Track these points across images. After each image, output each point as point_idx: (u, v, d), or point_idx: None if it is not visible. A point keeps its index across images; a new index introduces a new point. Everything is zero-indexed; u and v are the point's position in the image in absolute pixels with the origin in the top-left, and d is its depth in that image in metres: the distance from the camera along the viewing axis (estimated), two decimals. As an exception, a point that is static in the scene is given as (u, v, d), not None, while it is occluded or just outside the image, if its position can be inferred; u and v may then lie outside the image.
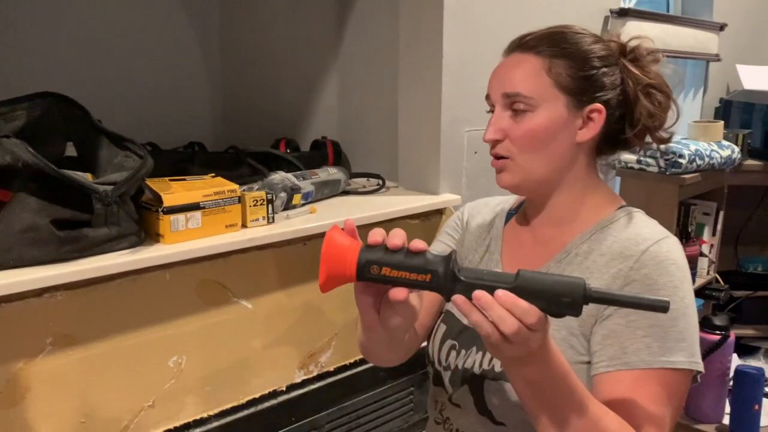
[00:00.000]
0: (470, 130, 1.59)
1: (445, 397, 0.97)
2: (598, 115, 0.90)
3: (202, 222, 1.14)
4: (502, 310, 0.67)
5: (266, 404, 1.27)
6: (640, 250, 0.86)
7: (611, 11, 1.98)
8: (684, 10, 2.66)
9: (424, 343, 1.05)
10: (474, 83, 1.54)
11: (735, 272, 2.57)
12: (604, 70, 0.91)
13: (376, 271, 0.71)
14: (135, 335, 1.09)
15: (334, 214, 1.35)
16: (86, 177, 1.05)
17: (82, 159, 1.15)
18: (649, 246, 0.86)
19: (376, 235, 0.72)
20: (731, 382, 1.76)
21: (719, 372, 1.75)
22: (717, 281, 2.24)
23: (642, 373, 0.81)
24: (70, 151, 1.17)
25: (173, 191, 1.11)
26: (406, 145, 1.63)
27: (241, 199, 1.19)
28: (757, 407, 1.72)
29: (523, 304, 0.67)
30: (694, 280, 2.07)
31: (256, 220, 1.22)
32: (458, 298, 0.69)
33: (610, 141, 0.95)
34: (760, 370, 1.74)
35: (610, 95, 0.91)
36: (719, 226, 2.22)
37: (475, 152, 1.61)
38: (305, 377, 1.34)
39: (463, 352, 0.95)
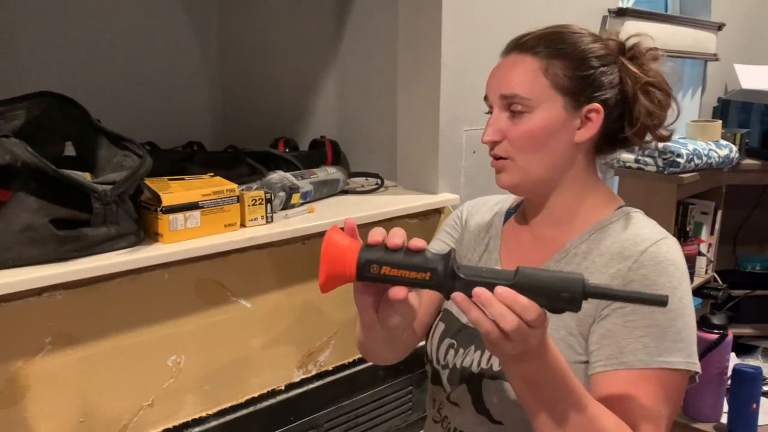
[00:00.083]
0: (469, 129, 1.59)
1: (444, 395, 0.98)
2: (596, 115, 0.90)
3: (201, 221, 1.14)
4: (502, 307, 0.67)
5: (265, 403, 1.27)
6: (639, 250, 0.87)
7: (609, 11, 1.99)
8: (682, 9, 2.66)
9: (422, 342, 1.06)
10: (472, 83, 1.54)
11: (733, 271, 2.57)
12: (603, 69, 0.90)
13: (376, 271, 0.71)
14: (134, 334, 1.09)
15: (332, 214, 1.35)
16: (85, 176, 1.06)
17: (81, 158, 1.15)
18: (648, 246, 0.87)
19: (376, 235, 0.73)
20: (729, 381, 1.77)
21: (717, 371, 1.75)
22: (715, 280, 2.24)
23: (639, 372, 0.82)
24: (69, 150, 1.17)
25: (172, 191, 1.12)
26: (405, 144, 1.63)
27: (239, 199, 1.19)
28: (755, 406, 1.72)
29: (522, 300, 0.67)
30: (692, 280, 2.07)
31: (255, 219, 1.22)
32: (458, 295, 0.69)
33: (610, 140, 0.95)
34: (758, 369, 1.74)
35: (608, 94, 0.91)
36: (717, 226, 2.22)
37: (474, 152, 1.61)
38: (304, 376, 1.34)
39: (461, 350, 0.96)
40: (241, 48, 2.02)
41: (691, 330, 0.85)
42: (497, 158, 0.93)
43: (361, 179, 1.67)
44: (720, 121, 2.18)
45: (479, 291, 0.68)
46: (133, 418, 1.10)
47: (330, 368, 1.38)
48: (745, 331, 2.41)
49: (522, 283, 0.68)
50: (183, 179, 1.21)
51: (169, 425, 1.15)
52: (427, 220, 1.54)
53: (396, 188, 1.64)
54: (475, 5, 1.56)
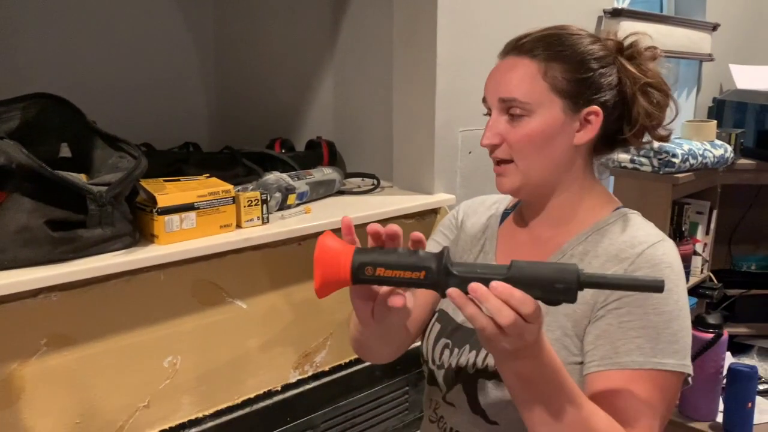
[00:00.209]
0: (464, 130, 1.59)
1: (440, 396, 0.98)
2: (595, 117, 0.90)
3: (197, 222, 1.14)
4: (498, 302, 0.67)
5: (261, 404, 1.27)
6: (636, 252, 0.87)
7: (605, 11, 1.99)
8: (677, 10, 2.67)
9: (418, 342, 1.06)
10: (468, 83, 1.54)
11: (728, 271, 2.58)
12: (602, 71, 0.90)
13: (371, 273, 0.71)
14: (130, 335, 1.09)
15: (329, 214, 1.35)
16: (80, 178, 1.05)
17: (76, 160, 1.15)
18: (645, 249, 0.87)
19: (373, 228, 0.73)
20: (725, 381, 1.77)
21: (713, 370, 1.75)
22: (710, 280, 2.25)
23: (633, 373, 0.82)
24: (65, 151, 1.17)
25: (168, 192, 1.12)
26: (401, 145, 1.63)
27: (235, 200, 1.19)
28: (750, 405, 1.72)
29: (518, 294, 0.67)
30: (688, 279, 2.08)
31: (251, 220, 1.22)
32: (453, 291, 0.68)
33: (608, 141, 0.95)
34: (753, 369, 1.74)
35: (607, 96, 0.91)
36: (713, 225, 2.23)
37: (470, 152, 1.61)
38: (300, 377, 1.34)
39: (456, 350, 0.96)
40: (238, 49, 2.02)
41: (687, 332, 0.85)
42: (498, 162, 0.93)
43: (358, 180, 1.67)
44: (715, 121, 2.18)
45: (475, 286, 0.67)
46: (129, 419, 1.10)
47: (326, 369, 1.38)
48: (741, 330, 2.42)
49: (516, 277, 0.68)
50: (179, 180, 1.21)
51: (166, 426, 1.15)
52: (424, 220, 1.54)
53: (392, 188, 1.64)
54: (471, 5, 1.56)
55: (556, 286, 0.68)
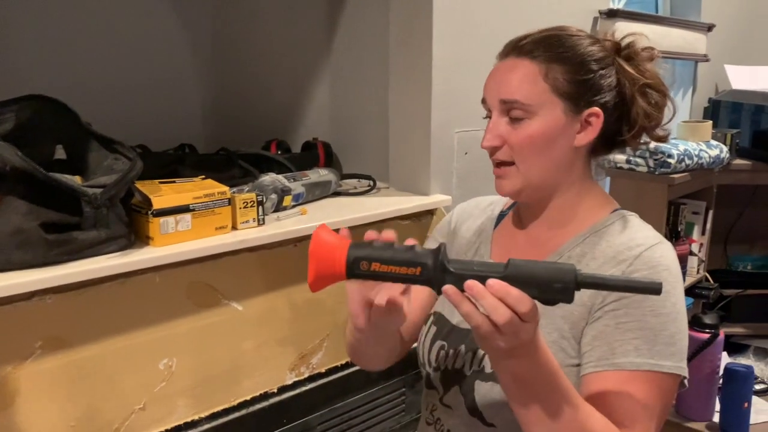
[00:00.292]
0: (460, 131, 1.59)
1: (437, 398, 0.98)
2: (595, 119, 0.90)
3: (192, 224, 1.13)
4: (494, 300, 0.66)
5: (258, 406, 1.27)
6: (633, 255, 0.87)
7: (600, 12, 2.00)
8: (672, 11, 2.68)
9: (416, 344, 1.05)
10: (464, 84, 1.54)
11: (724, 271, 2.58)
12: (602, 72, 0.90)
13: (366, 267, 0.71)
14: (125, 338, 1.08)
15: (324, 216, 1.35)
16: (75, 180, 1.05)
17: (71, 162, 1.14)
18: (643, 251, 0.87)
19: (369, 236, 0.73)
20: (721, 381, 1.77)
21: (709, 370, 1.76)
22: (707, 280, 2.25)
23: (630, 374, 0.82)
24: (60, 153, 1.16)
25: (163, 194, 1.11)
26: (397, 146, 1.63)
27: (231, 201, 1.19)
28: (746, 405, 1.72)
29: (515, 292, 0.66)
30: (684, 279, 2.07)
31: (247, 222, 1.22)
32: (449, 288, 0.68)
33: (606, 142, 0.95)
34: (750, 368, 1.75)
35: (607, 97, 0.91)
36: (708, 225, 2.23)
37: (466, 153, 1.61)
38: (297, 379, 1.34)
39: (451, 352, 0.96)
40: (234, 50, 2.02)
41: (683, 335, 0.85)
42: (499, 164, 0.92)
43: (354, 181, 1.67)
44: (710, 122, 2.19)
45: (471, 283, 0.67)
46: (125, 422, 1.10)
47: (323, 370, 1.38)
48: (737, 330, 2.42)
49: (513, 275, 0.67)
50: (174, 182, 1.20)
51: (161, 429, 1.14)
52: (420, 221, 1.54)
53: (388, 190, 1.64)
54: (467, 6, 1.56)
55: (554, 286, 0.67)
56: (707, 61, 2.60)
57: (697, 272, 2.20)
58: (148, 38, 1.87)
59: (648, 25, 2.24)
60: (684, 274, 2.09)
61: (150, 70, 1.89)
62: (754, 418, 1.75)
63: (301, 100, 1.92)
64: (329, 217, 1.34)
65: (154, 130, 1.70)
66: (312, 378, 1.36)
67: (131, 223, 1.11)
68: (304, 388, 1.34)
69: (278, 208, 1.35)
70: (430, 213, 1.56)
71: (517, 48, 0.92)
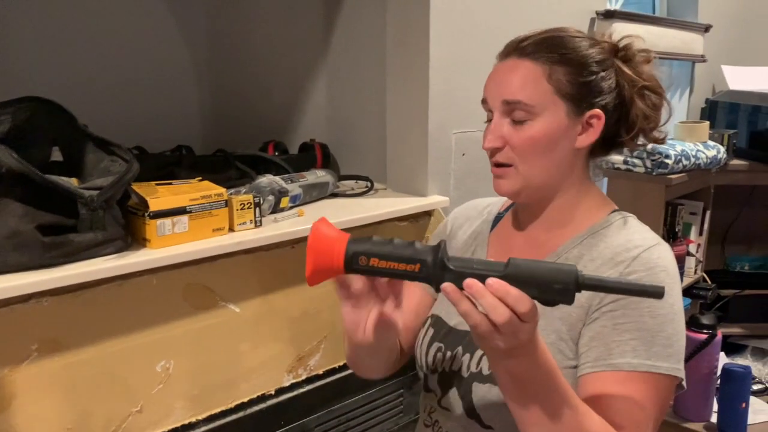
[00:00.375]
0: (458, 132, 1.59)
1: (435, 400, 0.97)
2: (597, 121, 0.90)
3: (189, 226, 1.13)
4: (494, 299, 0.66)
5: (255, 408, 1.27)
6: (631, 256, 0.87)
7: (597, 13, 2.00)
8: (669, 11, 2.68)
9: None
10: (462, 85, 1.54)
11: (722, 271, 2.59)
12: (602, 74, 0.90)
13: (364, 263, 0.70)
14: (122, 340, 1.08)
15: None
16: (71, 182, 1.05)
17: (68, 164, 1.14)
18: (640, 253, 0.87)
19: None
20: (719, 381, 1.78)
21: (707, 371, 1.76)
22: (704, 280, 2.26)
23: (627, 375, 0.82)
24: (56, 155, 1.16)
25: (160, 195, 1.11)
26: (395, 147, 1.63)
27: (228, 203, 1.19)
28: (744, 405, 1.73)
29: (515, 291, 0.66)
30: (681, 280, 2.08)
31: (244, 223, 1.21)
32: (448, 286, 0.68)
33: (605, 144, 0.95)
34: (747, 369, 1.75)
35: (607, 99, 0.91)
36: (706, 226, 2.24)
37: (463, 154, 1.61)
38: (294, 381, 1.33)
39: (448, 353, 0.95)
40: (231, 51, 2.01)
41: (681, 336, 0.85)
42: (498, 165, 0.92)
43: (351, 182, 1.67)
44: (708, 122, 2.19)
45: (470, 282, 0.67)
46: (122, 424, 1.09)
47: (320, 372, 1.38)
48: (734, 330, 2.43)
49: (513, 275, 0.67)
50: (171, 184, 1.20)
51: (159, 431, 1.14)
52: (417, 222, 1.54)
53: (386, 191, 1.64)
54: (464, 7, 1.56)
55: (554, 287, 0.67)
56: (704, 61, 2.61)
57: (695, 273, 2.21)
58: (145, 40, 1.87)
59: (645, 25, 2.24)
60: (681, 274, 2.09)
61: (147, 72, 1.88)
62: (751, 419, 1.76)
63: (299, 101, 1.92)
64: (327, 218, 1.33)
65: (151, 131, 1.70)
66: (310, 380, 1.36)
67: (128, 225, 1.10)
68: (301, 390, 1.34)
69: (275, 209, 1.35)
70: (427, 214, 1.56)
71: (518, 49, 0.91)
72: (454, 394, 0.93)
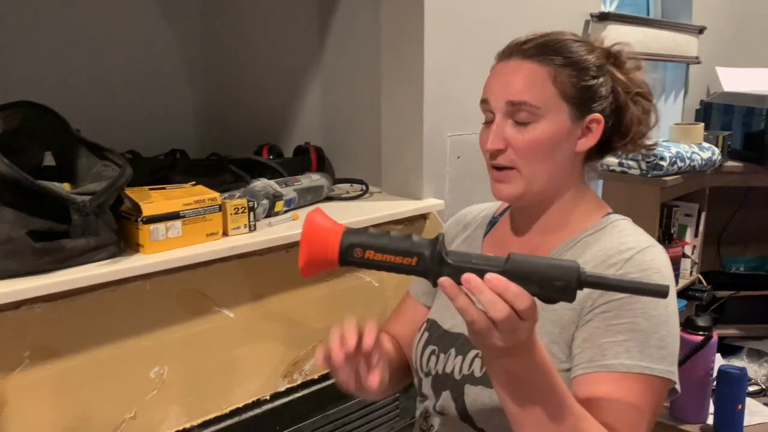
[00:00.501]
0: (453, 134, 1.59)
1: (430, 405, 0.97)
2: (596, 125, 0.91)
3: (183, 231, 1.13)
4: (493, 295, 0.64)
5: (250, 413, 1.26)
6: (624, 258, 0.87)
7: (592, 15, 2.00)
8: (664, 13, 2.69)
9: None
10: (456, 88, 1.54)
11: (718, 272, 2.59)
12: (601, 80, 0.91)
13: (360, 255, 0.68)
14: (115, 346, 1.07)
15: (316, 221, 1.34)
16: (64, 187, 1.04)
17: (60, 169, 1.13)
18: (633, 254, 0.87)
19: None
20: (715, 383, 1.78)
21: (703, 372, 1.76)
22: (700, 282, 2.26)
23: (621, 376, 0.81)
24: (49, 160, 1.15)
25: (153, 200, 1.10)
26: (390, 150, 1.63)
27: (222, 208, 1.18)
28: (740, 407, 1.73)
29: (514, 288, 0.64)
30: (677, 281, 2.08)
31: (238, 228, 1.21)
32: (445, 280, 0.66)
33: (600, 148, 0.95)
34: (743, 370, 1.75)
35: (604, 104, 0.91)
36: (701, 227, 2.24)
37: (458, 157, 1.61)
38: (289, 385, 1.33)
39: (442, 356, 0.95)
40: (225, 54, 2.01)
41: (674, 339, 0.84)
42: (499, 168, 0.91)
43: (346, 185, 1.67)
44: (702, 124, 2.19)
45: (469, 277, 0.65)
46: (116, 430, 1.09)
47: (316, 377, 1.37)
48: (730, 331, 2.43)
49: (513, 270, 0.65)
50: (164, 188, 1.20)
51: (153, 438, 1.13)
52: (413, 225, 1.54)
53: (381, 194, 1.64)
54: (458, 10, 1.56)
55: (555, 283, 0.65)
56: (698, 63, 2.61)
57: (690, 274, 2.21)
58: (139, 42, 1.86)
59: (640, 27, 2.25)
60: (677, 276, 2.10)
61: (141, 74, 1.88)
62: (748, 420, 1.75)
63: (293, 104, 1.91)
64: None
65: (145, 134, 1.69)
66: (305, 384, 1.35)
67: (121, 231, 1.10)
68: (297, 395, 1.33)
69: (270, 213, 1.34)
70: (422, 217, 1.56)
71: (521, 50, 0.91)
72: (447, 397, 0.93)
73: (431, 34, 1.50)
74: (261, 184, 1.34)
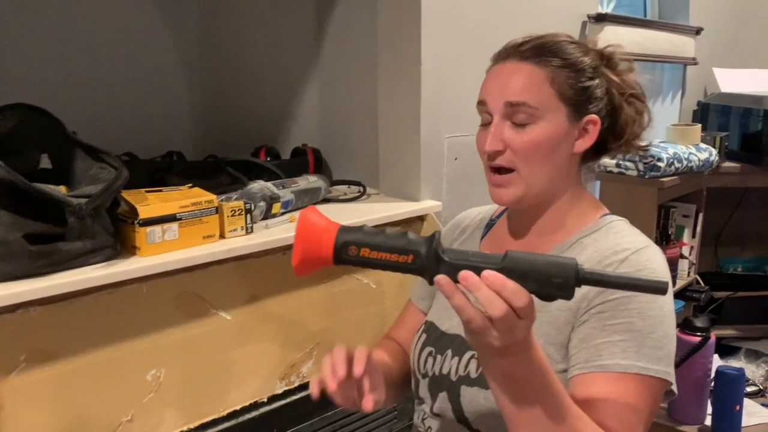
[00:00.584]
0: (450, 136, 1.59)
1: (428, 407, 0.97)
2: (593, 126, 0.91)
3: (179, 233, 1.12)
4: (490, 292, 0.64)
5: (247, 416, 1.26)
6: (619, 258, 0.87)
7: (589, 16, 2.00)
8: (661, 14, 2.69)
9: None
10: (454, 90, 1.54)
11: (715, 273, 2.59)
12: (596, 81, 0.91)
13: (355, 253, 0.68)
14: (112, 349, 1.07)
15: (314, 223, 1.34)
16: (60, 190, 1.04)
17: (57, 171, 1.13)
18: (629, 255, 0.87)
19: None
20: (713, 383, 1.78)
21: (701, 373, 1.76)
22: (697, 282, 2.26)
23: (617, 376, 0.81)
24: (45, 163, 1.15)
25: (149, 203, 1.10)
26: (387, 152, 1.63)
27: (218, 210, 1.18)
28: (738, 408, 1.73)
29: (512, 285, 0.64)
30: (674, 282, 2.08)
31: (234, 230, 1.21)
32: (441, 278, 0.65)
33: (596, 149, 0.95)
34: (741, 371, 1.75)
35: (600, 106, 0.92)
36: (699, 228, 2.24)
37: (456, 158, 1.61)
38: (287, 388, 1.32)
39: (438, 357, 0.95)
40: (222, 56, 2.01)
41: (671, 340, 0.84)
42: (499, 171, 0.91)
43: (344, 187, 1.67)
44: (700, 125, 2.19)
45: (466, 274, 0.64)
46: (112, 434, 1.08)
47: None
48: (728, 332, 2.43)
49: (511, 267, 0.64)
50: (161, 191, 1.19)
51: (150, 441, 1.13)
52: (410, 227, 1.54)
53: (378, 196, 1.63)
54: (456, 12, 1.56)
55: (553, 281, 0.64)
56: (696, 64, 2.62)
57: (688, 275, 2.21)
58: (136, 44, 1.86)
59: (636, 29, 2.25)
60: (675, 277, 2.10)
61: (138, 76, 1.87)
62: (746, 421, 1.76)
63: (291, 106, 1.91)
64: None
65: (142, 136, 1.69)
66: (302, 387, 1.35)
67: (117, 233, 1.09)
68: (294, 397, 1.33)
69: (267, 215, 1.34)
70: (420, 219, 1.56)
71: (518, 52, 0.91)
72: (444, 398, 0.93)
73: (428, 35, 1.50)
74: (258, 186, 1.34)
